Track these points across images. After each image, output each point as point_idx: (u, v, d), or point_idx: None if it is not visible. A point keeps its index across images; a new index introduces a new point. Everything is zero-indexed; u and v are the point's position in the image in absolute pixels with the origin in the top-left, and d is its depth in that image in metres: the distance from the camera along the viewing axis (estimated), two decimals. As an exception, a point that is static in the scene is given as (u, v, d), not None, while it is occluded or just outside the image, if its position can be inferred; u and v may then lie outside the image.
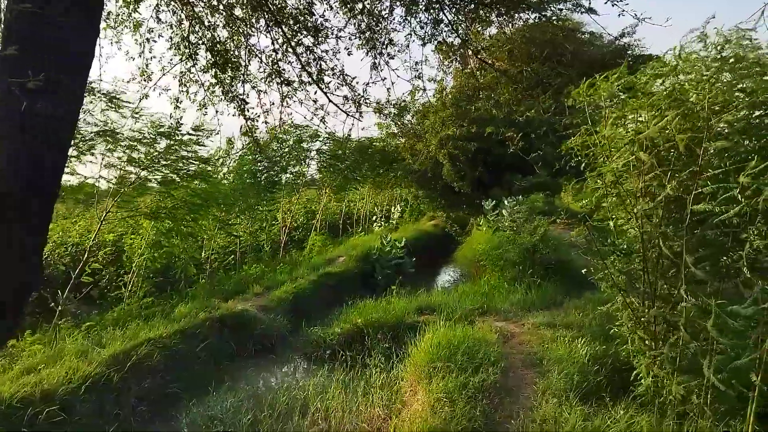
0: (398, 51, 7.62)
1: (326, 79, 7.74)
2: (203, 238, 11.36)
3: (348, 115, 8.23)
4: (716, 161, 3.66)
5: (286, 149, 14.68)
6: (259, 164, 13.70)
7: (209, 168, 10.20)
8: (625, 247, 4.75)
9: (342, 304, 9.47)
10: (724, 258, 4.19)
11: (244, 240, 13.72)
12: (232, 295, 9.45)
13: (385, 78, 8.52)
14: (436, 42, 7.24)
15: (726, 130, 3.67)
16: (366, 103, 8.09)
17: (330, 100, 8.02)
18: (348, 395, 5.67)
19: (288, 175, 15.23)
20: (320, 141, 15.31)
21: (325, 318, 9.14)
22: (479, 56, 8.37)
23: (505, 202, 12.57)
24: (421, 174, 17.26)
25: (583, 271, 5.52)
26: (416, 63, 8.08)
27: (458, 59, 9.86)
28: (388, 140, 17.77)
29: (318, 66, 7.62)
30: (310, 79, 7.66)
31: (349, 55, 8.51)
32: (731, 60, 3.69)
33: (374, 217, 20.04)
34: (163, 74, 7.47)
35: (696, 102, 3.66)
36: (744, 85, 3.75)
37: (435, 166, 16.74)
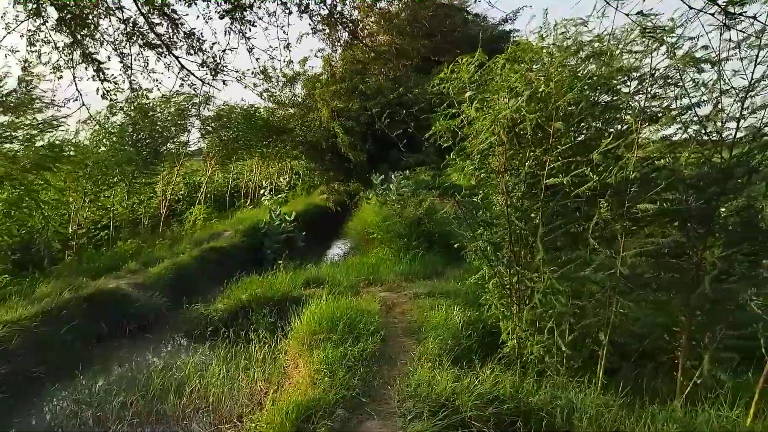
0: (260, 18, 7.22)
1: (180, 43, 7.22)
2: (69, 211, 10.42)
3: (204, 82, 7.82)
4: (565, 140, 3.98)
5: (168, 117, 13.71)
6: (140, 133, 12.73)
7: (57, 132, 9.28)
8: (491, 219, 5.05)
9: (228, 281, 9.21)
10: (575, 228, 4.62)
11: (120, 214, 12.80)
12: (104, 272, 8.78)
13: (235, 48, 8.04)
14: (306, 12, 6.98)
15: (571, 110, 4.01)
16: (224, 70, 7.67)
17: (182, 66, 7.53)
18: (229, 372, 5.58)
19: (171, 146, 14.27)
20: (204, 108, 14.44)
21: (209, 295, 8.82)
22: (348, 30, 8.26)
23: (393, 176, 12.81)
24: (312, 145, 17.02)
25: (455, 245, 5.81)
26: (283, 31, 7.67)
27: (347, 32, 9.70)
28: (278, 110, 17.28)
29: (171, 28, 7.08)
30: (159, 42, 7.10)
31: (206, 22, 7.87)
32: (573, 48, 4.02)
33: (262, 190, 19.53)
34: (8, 32, 6.60)
35: (544, 85, 3.95)
36: (585, 70, 4.11)
37: (328, 138, 16.58)
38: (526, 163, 4.23)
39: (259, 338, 6.48)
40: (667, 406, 3.85)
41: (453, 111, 5.02)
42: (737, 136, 3.82)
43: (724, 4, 2.97)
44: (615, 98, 4.34)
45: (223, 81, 7.85)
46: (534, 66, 4.40)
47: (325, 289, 7.65)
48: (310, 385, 4.48)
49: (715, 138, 3.91)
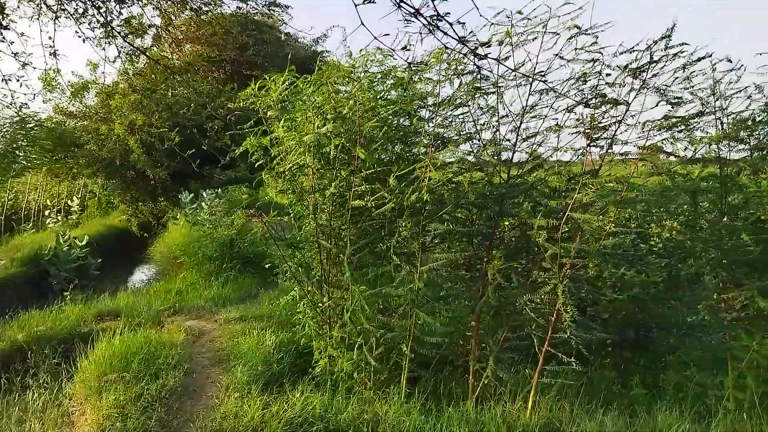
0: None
1: None
2: None
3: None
4: (368, 162, 4.17)
5: None
6: None
7: None
8: (301, 239, 5.07)
9: (1, 318, 7.77)
10: (381, 246, 4.86)
11: None
12: None
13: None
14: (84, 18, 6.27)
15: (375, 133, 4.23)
16: None
17: None
18: None
19: None
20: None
21: (-26, 339, 7.36)
22: (126, 40, 7.68)
23: (204, 194, 12.21)
24: (109, 162, 15.31)
25: (267, 266, 5.71)
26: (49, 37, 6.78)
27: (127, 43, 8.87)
28: (67, 120, 15.25)
29: None
30: None
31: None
32: (379, 75, 4.28)
33: (47, 211, 17.08)
34: None
35: (349, 109, 4.12)
36: (389, 96, 4.39)
37: (125, 154, 15.06)
38: (333, 184, 4.33)
39: (38, 384, 5.56)
40: (461, 406, 4.22)
41: (263, 128, 4.95)
42: (514, 158, 4.38)
43: (474, 47, 3.36)
44: (413, 123, 4.68)
45: None
46: (341, 88, 4.56)
47: (123, 321, 6.91)
48: (98, 434, 3.98)
49: (495, 160, 4.42)
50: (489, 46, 3.44)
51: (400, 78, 4.48)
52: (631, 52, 3.79)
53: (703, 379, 4.82)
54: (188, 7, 8.49)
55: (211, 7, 8.70)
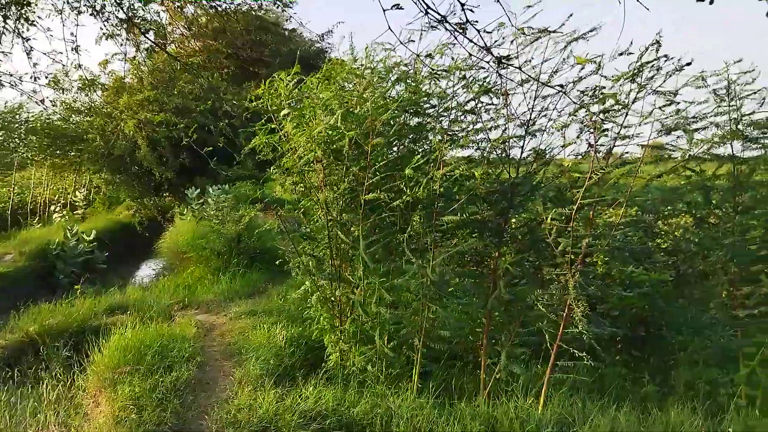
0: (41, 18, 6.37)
1: None
2: None
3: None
4: (381, 157, 4.18)
5: None
6: None
7: None
8: (313, 233, 5.09)
9: (12, 312, 7.81)
10: (394, 240, 4.87)
11: None
12: None
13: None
14: (102, 14, 6.32)
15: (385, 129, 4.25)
16: None
17: None
18: (14, 419, 4.72)
19: None
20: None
21: (-15, 330, 7.41)
22: (147, 36, 7.73)
23: (210, 190, 12.22)
24: (116, 158, 15.36)
25: (277, 262, 5.72)
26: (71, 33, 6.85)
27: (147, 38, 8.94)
28: (73, 116, 15.26)
29: None
30: None
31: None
32: (382, 72, 4.29)
33: (52, 207, 17.12)
34: None
35: (360, 104, 4.14)
36: (395, 93, 4.40)
37: (133, 150, 15.10)
38: (346, 179, 4.35)
39: (51, 376, 5.60)
40: (473, 401, 4.23)
41: (272, 126, 4.98)
42: (522, 156, 4.39)
43: (498, 55, 3.39)
44: (423, 120, 4.70)
45: None
46: (347, 85, 4.58)
47: (133, 315, 6.95)
48: (113, 426, 4.01)
49: (503, 157, 4.43)
50: (509, 59, 3.44)
51: (404, 72, 4.49)
52: (628, 55, 3.79)
53: (713, 376, 4.82)
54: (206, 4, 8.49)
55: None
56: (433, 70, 4.09)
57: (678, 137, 4.10)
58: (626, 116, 3.86)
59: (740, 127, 4.47)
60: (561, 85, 3.76)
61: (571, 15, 3.74)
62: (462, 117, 4.47)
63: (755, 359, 4.38)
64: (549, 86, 3.78)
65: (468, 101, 4.32)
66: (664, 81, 3.74)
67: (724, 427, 3.84)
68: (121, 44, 7.46)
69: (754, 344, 4.43)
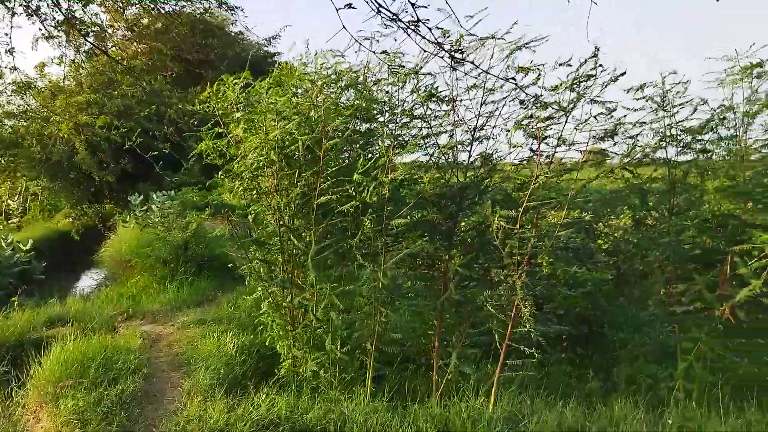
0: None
1: None
2: None
3: None
4: (333, 162, 4.19)
5: None
6: None
7: None
8: (263, 239, 5.02)
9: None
10: (346, 245, 4.86)
11: None
12: None
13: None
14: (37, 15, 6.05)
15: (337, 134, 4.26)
16: None
17: None
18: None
19: None
20: None
21: None
22: (87, 39, 7.48)
23: (155, 196, 11.83)
24: (54, 163, 14.61)
25: (229, 265, 5.61)
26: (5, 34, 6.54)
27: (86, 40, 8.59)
28: (6, 120, 14.43)
29: None
30: None
31: None
32: (332, 77, 4.31)
33: (-19, 215, 16.18)
34: None
35: (311, 110, 4.14)
36: (346, 98, 4.43)
37: (71, 155, 14.40)
38: (298, 184, 4.32)
39: (-15, 393, 5.27)
40: (426, 403, 4.28)
41: (220, 130, 4.89)
42: (470, 161, 4.49)
43: (450, 51, 3.47)
44: (373, 126, 4.73)
45: None
46: (297, 90, 4.56)
47: (74, 327, 6.63)
48: (55, 442, 3.82)
49: (452, 162, 4.53)
50: (463, 52, 3.52)
51: (354, 79, 4.52)
52: (569, 65, 3.95)
53: (653, 371, 5.07)
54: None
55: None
56: (389, 65, 4.12)
57: (615, 143, 4.31)
58: (566, 123, 4.02)
59: (674, 132, 4.74)
60: (512, 79, 3.84)
61: (515, 23, 3.88)
62: (410, 122, 4.53)
63: (692, 354, 4.63)
64: (503, 80, 3.86)
65: (413, 105, 4.37)
66: (601, 90, 3.92)
67: (665, 420, 4.04)
68: (60, 45, 7.13)
69: (690, 339, 4.68)
